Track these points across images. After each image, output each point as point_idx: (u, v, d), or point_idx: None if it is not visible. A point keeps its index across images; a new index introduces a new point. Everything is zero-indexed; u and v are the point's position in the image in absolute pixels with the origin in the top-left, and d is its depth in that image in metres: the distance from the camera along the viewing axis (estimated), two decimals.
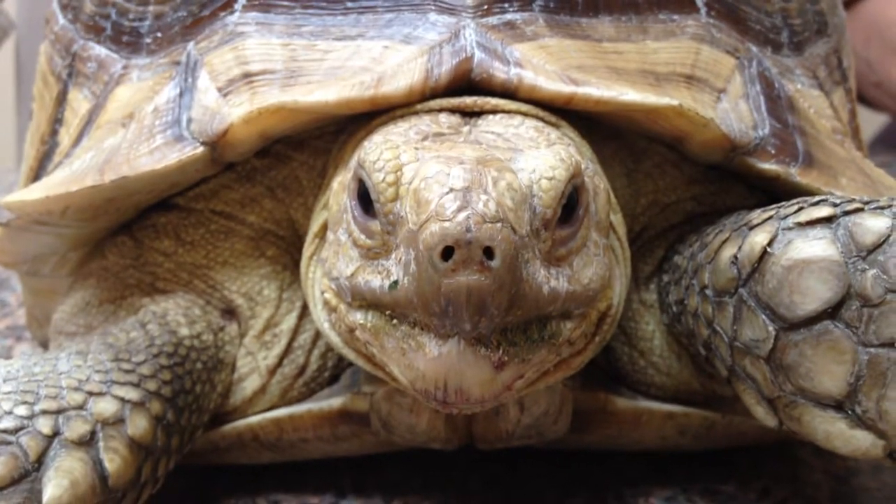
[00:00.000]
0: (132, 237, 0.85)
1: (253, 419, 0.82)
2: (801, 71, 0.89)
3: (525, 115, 0.74)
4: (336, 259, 0.70)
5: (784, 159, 0.78)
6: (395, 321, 0.65)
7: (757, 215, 0.72)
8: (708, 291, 0.73)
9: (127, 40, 0.87)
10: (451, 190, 0.61)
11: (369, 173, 0.65)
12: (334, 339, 0.74)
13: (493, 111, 0.75)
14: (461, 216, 0.60)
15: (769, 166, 0.77)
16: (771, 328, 0.67)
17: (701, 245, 0.76)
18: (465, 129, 0.73)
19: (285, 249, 0.83)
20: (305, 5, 0.81)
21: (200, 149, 0.76)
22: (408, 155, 0.65)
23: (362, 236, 0.67)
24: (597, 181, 0.71)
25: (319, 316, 0.75)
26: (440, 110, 0.75)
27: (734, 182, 0.83)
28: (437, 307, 0.61)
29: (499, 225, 0.60)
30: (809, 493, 0.85)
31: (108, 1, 0.88)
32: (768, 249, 0.68)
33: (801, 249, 0.66)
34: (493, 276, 0.60)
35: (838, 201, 0.68)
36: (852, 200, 0.68)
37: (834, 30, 0.95)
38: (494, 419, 0.78)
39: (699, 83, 0.79)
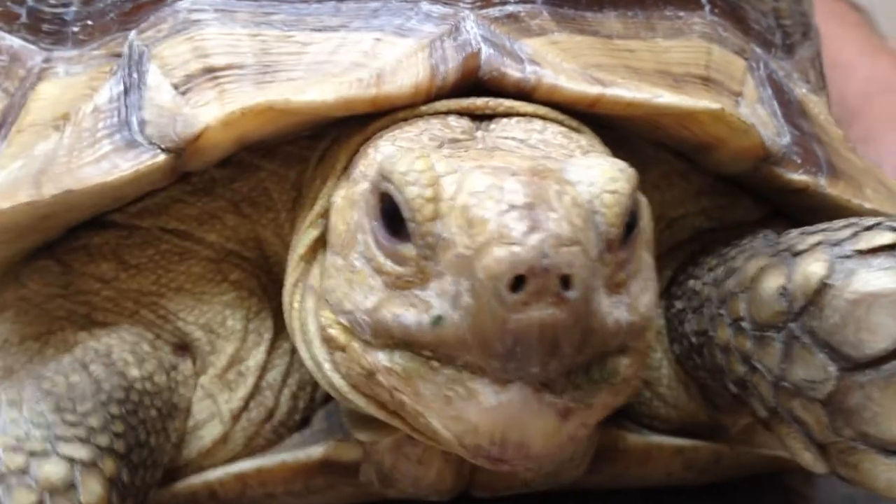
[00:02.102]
0: (58, 261, 0.72)
1: (212, 474, 0.71)
2: (798, 75, 0.82)
3: (544, 118, 0.65)
4: (349, 289, 0.58)
5: (810, 169, 0.71)
6: (434, 363, 0.54)
7: (798, 239, 0.64)
8: (745, 324, 0.65)
9: (48, 29, 0.73)
10: (512, 207, 0.51)
11: (400, 187, 0.55)
12: (338, 381, 0.62)
13: (507, 114, 0.65)
14: (534, 239, 0.50)
15: (798, 177, 0.70)
16: (832, 369, 0.60)
17: (727, 270, 0.68)
18: (479, 134, 0.64)
19: (251, 272, 0.72)
20: None
21: (162, 157, 0.64)
22: (443, 165, 0.55)
23: (388, 262, 0.56)
24: (639, 194, 0.63)
25: (315, 354, 0.63)
26: (447, 113, 0.65)
27: (741, 195, 0.76)
28: (501, 347, 0.51)
29: (576, 248, 0.50)
30: None
31: None
32: (827, 282, 0.60)
33: (867, 282, 0.59)
34: (570, 309, 0.50)
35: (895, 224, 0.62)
36: None
37: (815, 33, 0.90)
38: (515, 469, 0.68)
39: (716, 86, 0.71)
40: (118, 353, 0.68)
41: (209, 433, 0.71)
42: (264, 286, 0.72)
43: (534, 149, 0.61)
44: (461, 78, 0.65)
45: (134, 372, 0.67)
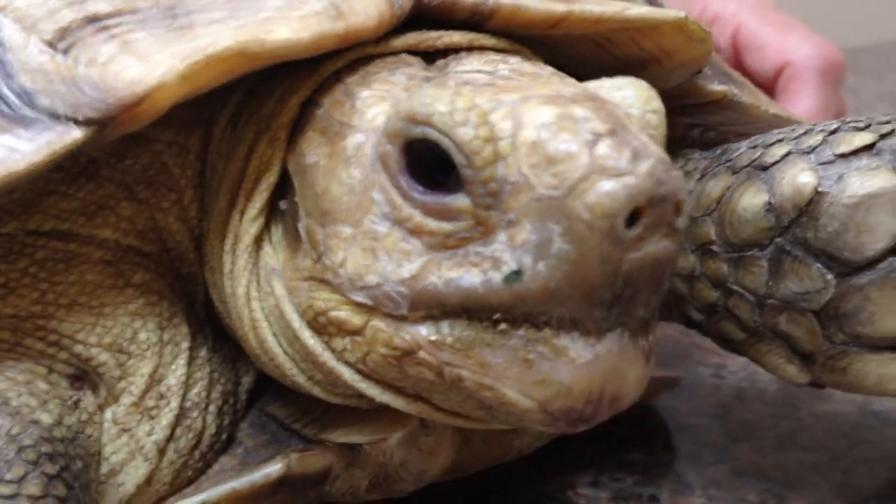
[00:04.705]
0: None
1: None
2: None
3: (501, 50, 0.58)
4: (371, 259, 0.49)
5: (723, 79, 0.70)
6: (503, 326, 0.47)
7: (759, 152, 0.63)
8: (716, 248, 0.63)
9: None
10: (598, 135, 0.45)
11: (447, 129, 0.46)
12: (347, 374, 0.53)
13: (458, 49, 0.57)
14: (645, 166, 0.44)
15: (718, 87, 0.69)
16: (829, 276, 0.60)
17: None
18: (434, 70, 0.56)
19: (156, 271, 0.58)
20: None
21: (78, 132, 0.49)
22: (486, 100, 0.47)
23: (432, 220, 0.48)
24: None
25: (305, 347, 0.53)
26: (400, 51, 0.56)
27: None
28: (610, 293, 0.45)
29: (675, 172, 0.45)
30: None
31: None
32: (820, 189, 0.59)
33: (861, 184, 0.59)
34: (678, 238, 0.46)
35: (861, 124, 0.62)
36: (870, 123, 0.62)
37: None
38: (505, 438, 0.62)
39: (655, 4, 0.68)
40: (16, 398, 0.52)
41: (131, 477, 0.57)
42: (170, 285, 0.58)
43: (509, 79, 0.54)
44: (414, 5, 0.56)
45: (46, 418, 0.52)
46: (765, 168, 0.62)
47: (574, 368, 0.46)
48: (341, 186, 0.51)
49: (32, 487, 0.48)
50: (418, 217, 0.48)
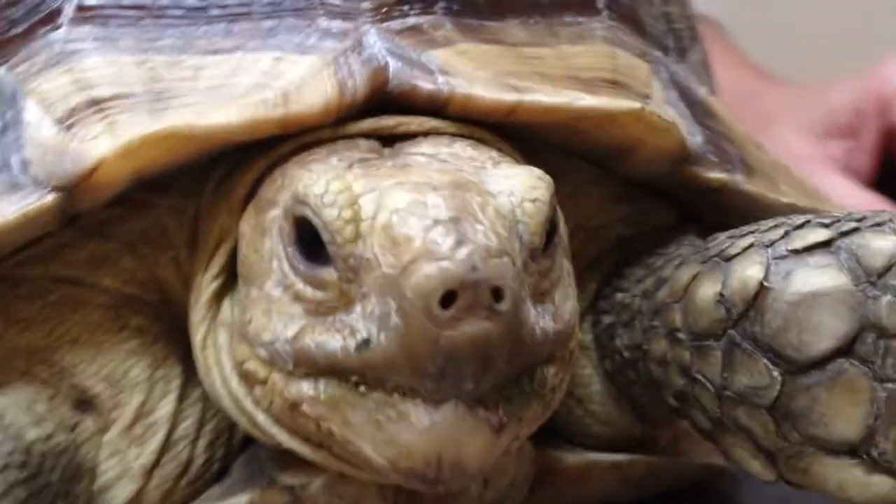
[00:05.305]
0: None
1: None
2: (693, 77, 0.82)
3: (454, 135, 0.62)
4: (267, 319, 0.56)
5: (726, 167, 0.70)
6: (362, 388, 0.52)
7: (728, 243, 0.63)
8: (681, 335, 0.63)
9: None
10: (437, 222, 0.50)
11: (317, 210, 0.53)
12: (260, 418, 0.59)
13: (417, 134, 0.62)
14: (463, 252, 0.49)
15: (716, 175, 0.69)
16: (776, 373, 0.59)
17: (657, 281, 0.66)
18: (387, 151, 0.61)
19: (154, 317, 0.67)
20: (157, 14, 0.64)
21: (50, 197, 0.59)
22: (361, 184, 0.53)
23: (308, 288, 0.54)
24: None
25: (233, 392, 0.60)
26: (356, 136, 0.62)
27: (651, 199, 0.75)
28: (434, 366, 0.49)
29: (505, 259, 0.50)
30: None
31: None
32: (766, 284, 0.59)
33: (805, 282, 0.58)
34: (501, 322, 0.49)
35: (828, 221, 0.61)
36: (839, 219, 0.61)
37: (701, 37, 0.90)
38: (452, 500, 0.65)
39: (625, 89, 0.70)
40: (12, 415, 0.62)
41: (120, 494, 0.65)
42: (169, 330, 0.67)
43: (444, 163, 0.59)
44: (370, 94, 0.61)
45: (31, 433, 0.61)
46: (728, 259, 0.62)
47: (414, 433, 0.51)
48: (255, 254, 0.58)
49: None
50: (299, 285, 0.54)
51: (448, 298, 0.48)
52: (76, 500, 0.63)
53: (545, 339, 0.55)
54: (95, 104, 0.61)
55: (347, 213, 0.52)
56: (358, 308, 0.52)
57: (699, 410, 0.64)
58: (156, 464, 0.66)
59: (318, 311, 0.54)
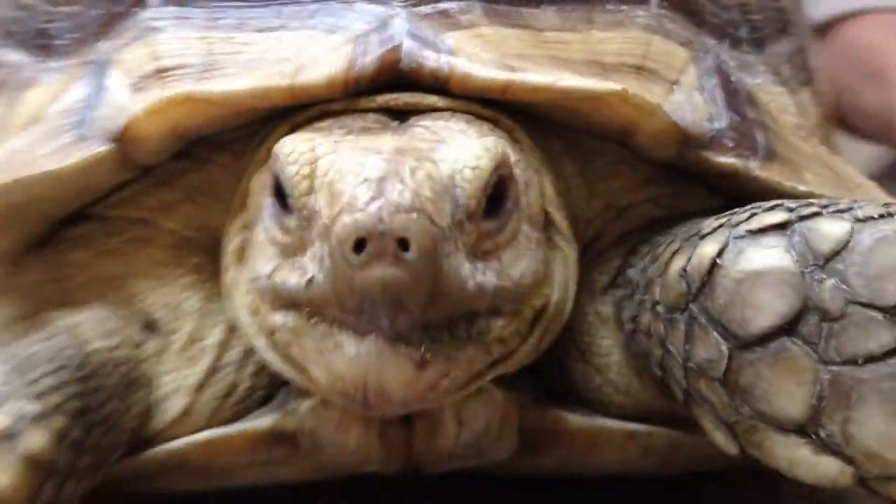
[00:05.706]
0: (49, 250, 0.79)
1: (178, 443, 0.76)
2: (763, 68, 0.83)
3: (455, 110, 0.69)
4: (256, 259, 0.66)
5: (743, 153, 0.72)
6: (313, 320, 0.61)
7: (709, 223, 0.66)
8: (659, 308, 0.66)
9: (39, 43, 0.81)
10: (366, 180, 0.58)
11: (282, 167, 0.62)
12: (259, 343, 0.69)
13: (427, 110, 0.69)
14: (373, 206, 0.56)
15: (726, 160, 0.71)
16: (724, 347, 0.61)
17: (653, 257, 0.70)
18: (394, 124, 0.69)
19: (208, 258, 0.77)
20: None
21: (103, 147, 0.70)
22: (325, 147, 0.62)
23: (279, 234, 0.63)
24: (529, 174, 0.68)
25: (246, 322, 0.70)
26: (367, 110, 0.69)
27: (693, 184, 0.77)
28: (352, 303, 0.58)
29: (414, 215, 0.57)
30: None
31: (20, 3, 0.83)
32: (718, 261, 0.62)
33: (752, 260, 0.60)
34: (409, 268, 0.56)
35: (794, 205, 0.62)
36: (810, 204, 0.62)
37: (798, 29, 0.91)
38: (432, 435, 0.72)
39: (650, 74, 0.73)
40: (84, 328, 0.74)
41: (174, 405, 0.76)
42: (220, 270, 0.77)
43: (434, 133, 0.65)
44: (380, 70, 0.69)
45: (96, 344, 0.73)
46: (701, 237, 0.65)
47: (344, 360, 0.59)
48: (255, 206, 0.67)
49: (49, 381, 0.69)
50: (274, 230, 0.64)
51: (360, 245, 0.56)
52: (133, 405, 0.74)
53: (481, 292, 0.61)
54: (160, 73, 0.72)
55: (305, 170, 0.61)
56: (309, 251, 0.61)
57: (674, 381, 0.67)
58: (205, 383, 0.76)
59: (285, 253, 0.63)
